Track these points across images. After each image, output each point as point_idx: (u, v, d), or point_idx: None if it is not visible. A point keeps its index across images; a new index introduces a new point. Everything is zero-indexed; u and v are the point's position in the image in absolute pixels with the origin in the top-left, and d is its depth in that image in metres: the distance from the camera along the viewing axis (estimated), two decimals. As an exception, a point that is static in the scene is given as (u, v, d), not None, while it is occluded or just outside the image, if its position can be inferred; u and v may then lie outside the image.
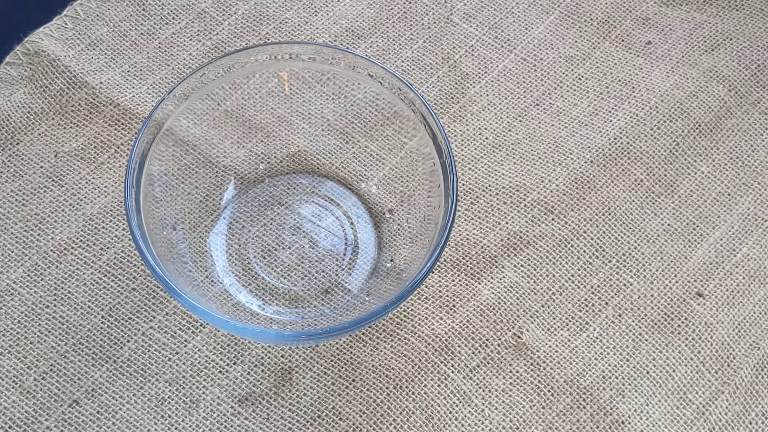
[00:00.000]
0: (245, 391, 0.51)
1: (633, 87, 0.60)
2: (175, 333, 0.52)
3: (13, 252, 0.54)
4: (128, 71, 0.60)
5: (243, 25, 0.62)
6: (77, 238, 0.55)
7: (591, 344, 0.53)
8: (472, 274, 0.54)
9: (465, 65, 0.61)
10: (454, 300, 0.54)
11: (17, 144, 0.57)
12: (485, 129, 0.59)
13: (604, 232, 0.56)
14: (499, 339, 0.53)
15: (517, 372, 0.52)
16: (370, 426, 0.51)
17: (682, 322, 0.54)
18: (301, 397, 0.51)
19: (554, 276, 0.55)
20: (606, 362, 0.53)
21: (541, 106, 0.60)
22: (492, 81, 0.60)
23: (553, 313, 0.54)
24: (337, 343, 0.52)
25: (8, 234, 0.54)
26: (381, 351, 0.52)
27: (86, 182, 0.56)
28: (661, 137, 0.59)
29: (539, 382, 0.52)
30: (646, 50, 0.62)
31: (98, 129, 0.58)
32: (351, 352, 0.52)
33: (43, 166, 0.56)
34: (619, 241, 0.56)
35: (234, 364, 0.52)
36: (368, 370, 0.52)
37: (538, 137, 0.59)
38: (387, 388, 0.51)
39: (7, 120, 0.58)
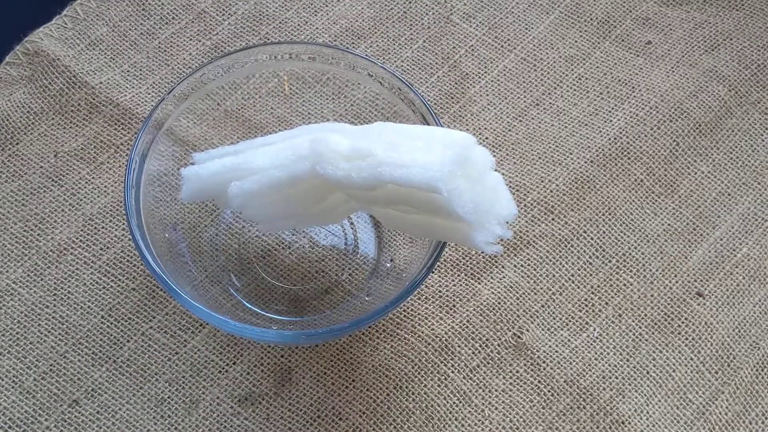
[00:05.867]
0: (245, 391, 0.51)
1: (633, 87, 0.60)
2: (175, 333, 0.52)
3: (13, 252, 0.54)
4: (128, 71, 0.60)
5: (243, 25, 0.62)
6: (77, 238, 0.55)
7: (591, 344, 0.53)
8: (472, 274, 0.54)
9: (465, 65, 0.61)
10: (454, 300, 0.54)
11: (17, 144, 0.57)
12: (485, 129, 0.59)
13: (604, 232, 0.56)
14: (499, 339, 0.53)
15: (517, 372, 0.52)
16: (370, 426, 0.51)
17: (682, 322, 0.54)
18: (301, 397, 0.51)
19: (554, 276, 0.55)
20: (606, 362, 0.53)
21: (541, 106, 0.60)
22: (492, 81, 0.60)
23: (553, 313, 0.54)
24: (337, 343, 0.52)
25: (8, 234, 0.54)
26: (381, 351, 0.52)
27: (86, 182, 0.56)
28: (661, 137, 0.59)
29: (539, 382, 0.52)
30: (646, 50, 0.62)
31: (98, 129, 0.58)
32: (351, 353, 0.52)
33: (43, 166, 0.56)
34: (619, 241, 0.56)
35: (234, 364, 0.52)
36: (368, 370, 0.52)
37: (538, 137, 0.59)
38: (387, 388, 0.51)
39: (7, 120, 0.58)
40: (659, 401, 0.52)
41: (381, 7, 0.63)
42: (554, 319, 0.54)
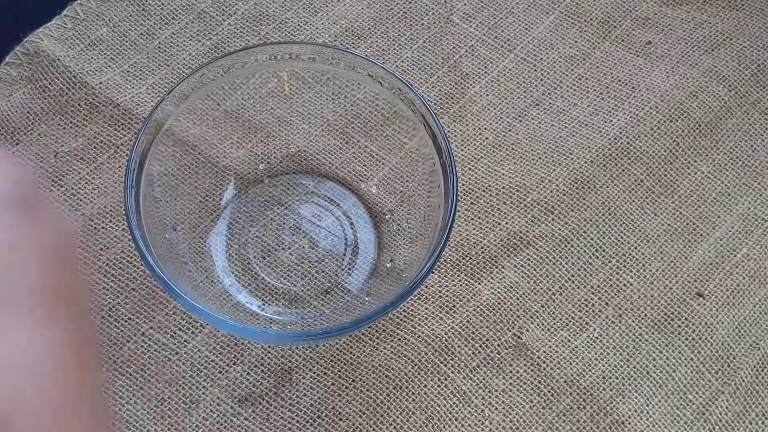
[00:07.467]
0: (245, 391, 0.51)
1: (633, 87, 0.60)
2: (175, 333, 0.52)
3: (13, 252, 0.54)
4: (128, 71, 0.60)
5: (243, 25, 0.62)
6: (77, 239, 0.54)
7: (591, 344, 0.53)
8: (472, 274, 0.54)
9: (465, 65, 0.61)
10: (454, 300, 0.54)
11: (17, 144, 0.57)
12: (485, 129, 0.59)
13: (604, 232, 0.56)
14: (499, 339, 0.53)
15: (517, 372, 0.52)
16: (370, 426, 0.51)
17: (682, 322, 0.54)
18: (301, 398, 0.51)
19: (554, 276, 0.55)
20: (606, 362, 0.53)
21: (541, 106, 0.60)
22: (492, 81, 0.60)
23: (553, 313, 0.54)
24: (337, 343, 0.52)
25: (8, 234, 0.54)
26: (381, 351, 0.52)
27: (86, 182, 0.56)
28: (661, 137, 0.59)
29: (539, 382, 0.52)
30: (646, 50, 0.62)
31: (98, 129, 0.58)
32: (351, 353, 0.52)
33: (43, 166, 0.56)
34: (619, 241, 0.56)
35: (234, 364, 0.52)
36: (368, 371, 0.52)
37: (538, 137, 0.59)
38: (387, 388, 0.51)
39: (7, 120, 0.58)
40: (659, 401, 0.52)
41: (381, 7, 0.63)
42: (554, 319, 0.54)
